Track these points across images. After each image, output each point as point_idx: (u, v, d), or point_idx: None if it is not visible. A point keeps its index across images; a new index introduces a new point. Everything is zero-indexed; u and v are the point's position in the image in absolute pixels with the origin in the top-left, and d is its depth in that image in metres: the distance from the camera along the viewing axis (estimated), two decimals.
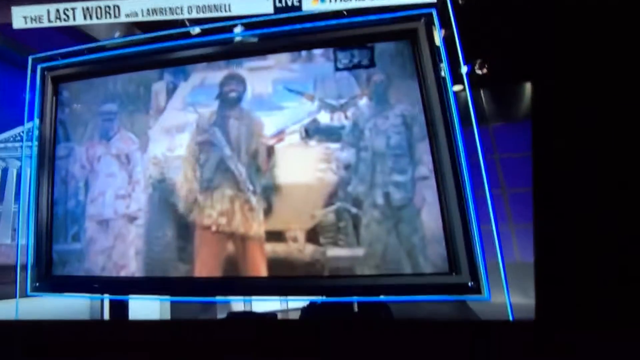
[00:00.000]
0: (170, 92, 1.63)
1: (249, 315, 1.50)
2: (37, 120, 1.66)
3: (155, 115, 1.62)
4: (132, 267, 1.57)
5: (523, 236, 1.27)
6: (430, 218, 1.38)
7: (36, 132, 1.65)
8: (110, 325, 1.55)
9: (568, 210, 1.26)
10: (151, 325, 1.51)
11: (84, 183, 1.66)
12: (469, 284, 1.34)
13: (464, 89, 1.35)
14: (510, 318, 1.24)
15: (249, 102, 1.57)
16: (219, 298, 1.54)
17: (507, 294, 1.26)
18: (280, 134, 1.51)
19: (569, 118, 1.30)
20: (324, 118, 1.49)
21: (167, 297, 1.55)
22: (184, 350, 1.48)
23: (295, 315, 1.48)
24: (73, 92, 1.72)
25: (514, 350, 1.25)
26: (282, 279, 1.47)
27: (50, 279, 1.61)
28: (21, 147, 1.76)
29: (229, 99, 1.59)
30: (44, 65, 1.70)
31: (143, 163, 1.61)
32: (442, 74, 1.37)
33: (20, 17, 1.53)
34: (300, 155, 1.48)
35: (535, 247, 1.20)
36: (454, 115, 1.35)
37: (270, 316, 1.49)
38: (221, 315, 1.53)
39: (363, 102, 1.47)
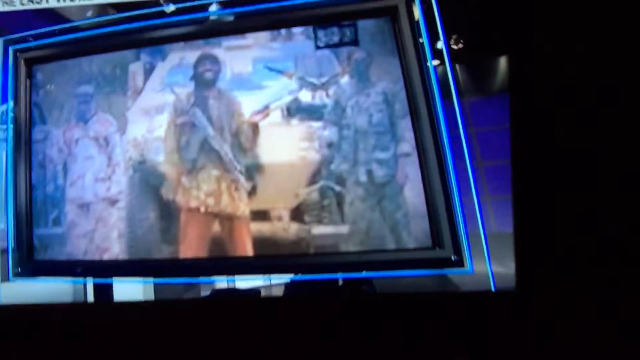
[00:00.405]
0: (148, 72, 1.63)
1: (233, 292, 1.54)
2: (11, 103, 1.65)
3: (133, 97, 1.62)
4: (116, 250, 1.59)
5: (499, 207, 1.33)
6: (413, 194, 1.43)
7: (10, 115, 1.64)
8: (96, 307, 1.58)
9: (548, 180, 1.32)
10: (137, 306, 1.55)
11: (63, 167, 1.66)
12: (452, 258, 1.40)
13: (442, 64, 1.39)
14: (492, 289, 1.31)
15: (228, 81, 1.58)
16: (203, 278, 1.58)
17: (489, 266, 1.32)
18: (262, 112, 1.53)
19: (547, 91, 1.35)
20: (306, 97, 1.51)
21: (152, 279, 1.58)
22: (171, 330, 1.52)
23: (279, 291, 1.53)
24: (47, 74, 1.70)
25: (497, 320, 1.33)
26: (268, 257, 1.51)
27: (32, 264, 1.62)
28: None
29: (205, 80, 1.60)
30: (16, 47, 1.68)
31: (122, 145, 1.62)
32: (422, 49, 1.40)
33: None
34: (282, 135, 1.51)
35: (515, 218, 1.26)
36: (435, 91, 1.39)
37: (254, 292, 1.53)
38: (205, 293, 1.57)
39: (344, 80, 1.49)
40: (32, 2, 1.48)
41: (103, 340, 1.56)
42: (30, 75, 1.70)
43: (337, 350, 1.46)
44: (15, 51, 1.68)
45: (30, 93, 1.69)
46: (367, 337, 1.47)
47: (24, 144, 1.67)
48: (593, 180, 1.30)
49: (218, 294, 1.55)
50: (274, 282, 1.55)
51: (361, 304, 1.50)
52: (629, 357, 1.31)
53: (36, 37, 1.66)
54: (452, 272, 1.41)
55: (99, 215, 1.62)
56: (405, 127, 1.44)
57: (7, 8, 1.48)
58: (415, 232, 1.45)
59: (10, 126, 1.65)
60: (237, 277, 1.56)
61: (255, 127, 1.54)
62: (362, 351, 1.45)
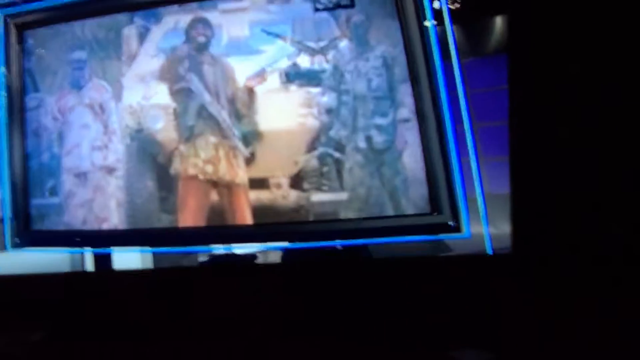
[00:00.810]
0: (142, 37, 1.62)
1: (230, 258, 1.59)
2: (2, 69, 1.65)
3: (128, 62, 1.62)
4: (114, 220, 1.62)
5: (492, 169, 1.36)
6: (411, 160, 1.46)
7: (2, 82, 1.65)
8: (96, 276, 1.63)
9: (545, 142, 1.35)
10: (138, 274, 1.60)
11: (58, 135, 1.68)
12: (451, 223, 1.45)
13: (439, 25, 1.40)
14: (490, 252, 1.36)
15: (224, 46, 1.58)
16: (202, 247, 1.62)
17: (486, 229, 1.37)
18: (259, 77, 1.54)
19: (546, 51, 1.36)
20: (304, 62, 1.52)
21: (152, 248, 1.61)
22: (172, 296, 1.57)
23: (275, 257, 1.57)
24: (39, 40, 1.70)
25: (494, 283, 1.38)
26: (268, 225, 1.55)
27: (30, 234, 1.66)
28: None
29: (198, 44, 1.60)
30: (6, 11, 1.67)
31: (118, 112, 1.63)
32: (422, 10, 1.41)
33: None
34: (280, 101, 1.53)
35: (512, 179, 1.30)
36: (436, 55, 1.41)
37: (250, 257, 1.58)
38: (202, 260, 1.62)
39: (343, 44, 1.50)
40: None
41: (104, 307, 1.62)
42: (21, 40, 1.70)
43: (334, 315, 1.52)
44: (5, 16, 1.67)
45: (22, 59, 1.69)
46: (364, 301, 1.53)
47: (17, 112, 1.68)
48: (591, 140, 1.33)
49: (215, 260, 1.60)
50: (270, 248, 1.58)
51: (358, 269, 1.55)
52: (624, 317, 1.37)
53: (26, 0, 1.65)
54: (449, 238, 1.45)
55: (96, 184, 1.64)
56: (404, 92, 1.46)
57: None
58: (413, 198, 1.48)
59: (3, 94, 1.66)
60: (237, 245, 1.59)
61: (252, 93, 1.56)
62: (360, 314, 1.51)
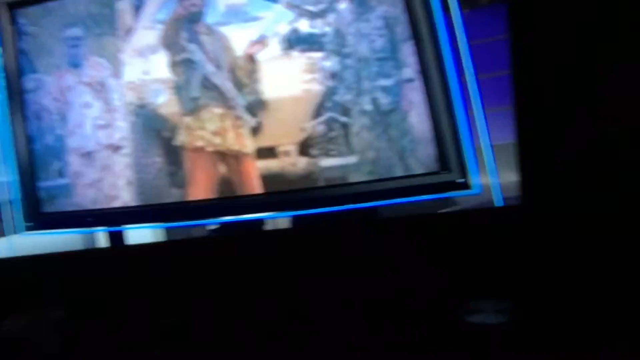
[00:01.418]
0: (137, 10, 1.64)
1: (239, 225, 1.66)
2: None
3: (125, 37, 1.64)
4: (125, 197, 1.68)
5: (493, 120, 1.43)
6: (418, 120, 1.51)
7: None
8: (111, 252, 1.70)
9: (549, 91, 1.40)
10: (152, 247, 1.67)
11: (60, 116, 1.71)
12: (459, 180, 1.51)
13: None
14: (499, 204, 1.44)
15: (221, 14, 1.60)
16: (215, 219, 1.68)
17: (496, 182, 1.44)
18: (259, 44, 1.57)
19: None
20: (304, 26, 1.55)
21: (164, 223, 1.68)
22: (188, 268, 1.65)
23: (287, 225, 1.65)
24: (31, 19, 1.70)
25: (504, 235, 1.46)
26: (278, 194, 1.61)
27: (42, 217, 1.72)
28: None
29: (193, 14, 1.62)
30: None
31: (119, 89, 1.66)
32: None
33: None
34: (283, 67, 1.56)
35: (518, 129, 1.36)
36: (437, 10, 1.43)
37: (258, 223, 1.65)
38: (213, 231, 1.69)
39: (343, 6, 1.52)
40: None
41: (121, 282, 1.70)
42: (13, 20, 1.71)
43: (350, 274, 1.60)
44: None
45: (16, 40, 1.71)
46: (379, 260, 1.61)
47: (16, 95, 1.71)
48: (596, 89, 1.39)
49: (224, 228, 1.66)
50: (281, 216, 1.65)
51: (371, 230, 1.63)
52: (630, 270, 1.46)
53: None
54: (459, 195, 1.52)
55: (103, 163, 1.69)
56: (407, 51, 1.50)
57: None
58: (422, 157, 1.54)
59: (1, 76, 1.69)
60: (249, 216, 1.66)
61: (254, 61, 1.59)
62: (375, 274, 1.60)
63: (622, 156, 1.40)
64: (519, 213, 1.43)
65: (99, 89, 1.68)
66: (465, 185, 1.50)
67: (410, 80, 1.52)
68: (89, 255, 1.69)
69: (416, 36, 1.48)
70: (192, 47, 1.60)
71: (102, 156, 1.68)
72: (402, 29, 1.50)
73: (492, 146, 1.45)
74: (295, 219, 1.62)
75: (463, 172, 1.50)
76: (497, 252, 1.46)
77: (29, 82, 1.72)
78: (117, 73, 1.66)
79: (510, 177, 1.43)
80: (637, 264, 1.44)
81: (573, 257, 1.45)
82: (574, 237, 1.44)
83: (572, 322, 1.38)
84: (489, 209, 1.45)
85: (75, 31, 1.68)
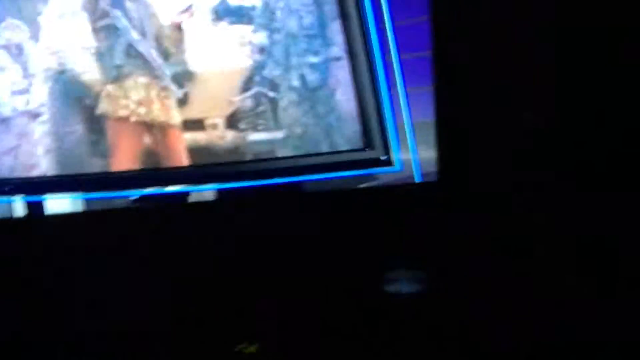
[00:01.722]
0: None
1: (163, 197, 1.66)
2: None
3: (45, 0, 1.58)
4: (44, 166, 1.62)
5: (414, 99, 1.51)
6: (344, 98, 1.56)
7: None
8: (27, 221, 1.65)
9: (468, 69, 1.49)
10: (71, 217, 1.64)
11: None
12: (382, 157, 1.59)
13: None
14: (418, 180, 1.52)
15: None
16: (138, 191, 1.67)
17: (414, 158, 1.52)
18: (187, 12, 1.56)
19: None
20: None
21: (86, 193, 1.65)
22: (108, 239, 1.64)
23: (212, 197, 1.67)
24: None
25: (422, 211, 1.55)
26: (205, 167, 1.62)
27: None
28: None
29: None
30: None
31: (37, 54, 1.60)
32: None
33: None
34: (211, 39, 1.56)
35: (437, 108, 1.44)
36: None
37: (183, 195, 1.66)
38: (134, 202, 1.68)
39: None
40: None
41: (39, 252, 1.66)
42: None
43: (271, 249, 1.65)
44: None
45: None
46: (298, 234, 1.66)
47: None
48: (512, 68, 1.49)
49: (145, 199, 1.66)
50: (207, 189, 1.67)
51: (292, 203, 1.67)
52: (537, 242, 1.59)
53: None
54: (381, 171, 1.59)
55: (21, 130, 1.62)
56: (335, 30, 1.53)
57: None
58: (347, 134, 1.60)
59: None
60: (174, 189, 1.66)
61: (181, 31, 1.57)
62: (297, 247, 1.65)
63: (536, 134, 1.51)
64: (435, 189, 1.52)
65: (16, 52, 1.60)
66: (387, 162, 1.58)
67: (337, 59, 1.56)
68: (6, 224, 1.64)
69: (344, 15, 1.52)
70: (116, 12, 1.56)
71: (20, 123, 1.61)
72: (331, 8, 1.53)
73: (412, 125, 1.53)
74: (221, 192, 1.64)
75: (386, 150, 1.57)
76: (414, 225, 1.54)
77: None
78: (35, 36, 1.59)
79: (429, 154, 1.52)
80: (546, 238, 1.56)
81: (482, 230, 1.56)
82: (484, 213, 1.55)
83: (482, 292, 1.50)
84: (408, 184, 1.54)
85: None
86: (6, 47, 1.61)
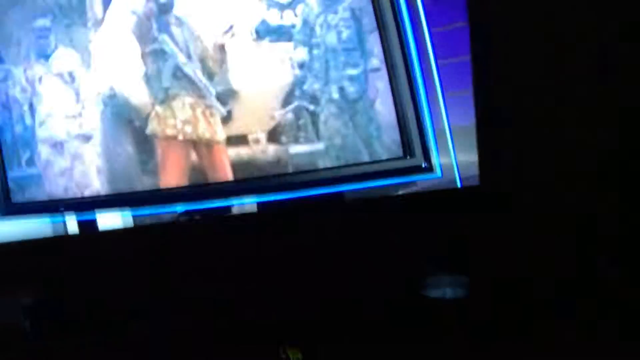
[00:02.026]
0: (106, 1, 1.68)
1: (210, 211, 1.71)
2: None
3: (95, 28, 1.67)
4: (96, 186, 1.70)
5: (452, 103, 1.55)
6: (383, 107, 1.60)
7: None
8: (82, 238, 1.73)
9: (510, 75, 1.51)
10: (123, 233, 1.71)
11: (29, 106, 1.72)
12: (423, 165, 1.61)
13: None
14: (459, 185, 1.54)
15: (192, 5, 1.66)
16: (185, 206, 1.73)
17: (455, 163, 1.55)
18: (229, 35, 1.63)
19: None
20: (273, 17, 1.62)
21: (136, 210, 1.71)
22: (159, 253, 1.70)
23: (254, 208, 1.71)
24: None
25: (464, 215, 1.57)
26: (249, 180, 1.68)
27: (12, 207, 1.72)
28: None
29: (162, 5, 1.66)
30: None
31: (89, 80, 1.69)
32: None
33: None
34: (253, 57, 1.62)
35: (477, 112, 1.47)
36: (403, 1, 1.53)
37: (229, 209, 1.71)
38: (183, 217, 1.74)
39: None
40: None
41: (92, 267, 1.73)
42: None
43: (315, 257, 1.68)
44: None
45: None
46: (341, 241, 1.70)
47: None
48: (554, 73, 1.51)
49: (191, 213, 1.71)
50: (251, 202, 1.72)
51: (335, 212, 1.71)
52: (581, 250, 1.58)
53: None
54: (422, 179, 1.62)
55: (74, 152, 1.70)
56: (373, 41, 1.58)
57: None
58: (387, 143, 1.64)
59: None
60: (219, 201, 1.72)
61: (224, 51, 1.65)
62: (339, 255, 1.68)
63: (579, 140, 1.52)
64: (477, 193, 1.54)
65: (69, 79, 1.70)
66: (428, 169, 1.61)
67: (376, 70, 1.61)
68: (61, 241, 1.72)
69: (382, 26, 1.56)
70: (163, 37, 1.65)
71: (73, 146, 1.70)
72: (369, 20, 1.58)
73: (450, 129, 1.56)
74: (265, 204, 1.69)
75: (426, 157, 1.60)
76: (457, 230, 1.56)
77: None
78: (86, 63, 1.68)
79: (470, 159, 1.55)
80: (588, 245, 1.56)
81: (527, 236, 1.57)
82: (528, 218, 1.56)
83: (526, 299, 1.50)
84: (449, 190, 1.56)
85: (44, 21, 1.69)
86: (59, 75, 1.71)
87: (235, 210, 1.71)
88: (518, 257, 1.59)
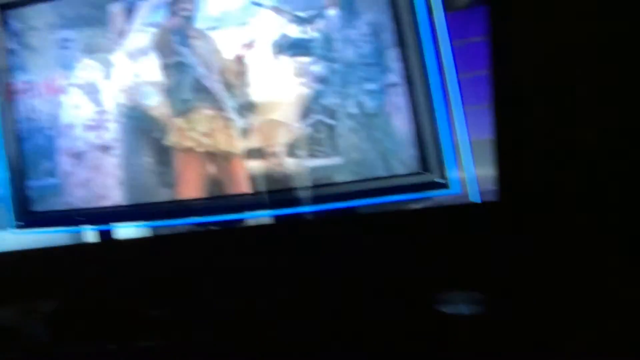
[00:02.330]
0: (129, 13, 1.70)
1: (227, 223, 1.72)
2: None
3: (117, 40, 1.70)
4: (115, 197, 1.73)
5: (471, 116, 1.55)
6: (401, 122, 1.60)
7: None
8: (100, 246, 1.75)
9: (528, 90, 1.51)
10: (140, 242, 1.72)
11: (50, 116, 1.76)
12: (439, 180, 1.61)
13: None
14: (475, 200, 1.54)
15: (212, 18, 1.68)
16: (203, 218, 1.74)
17: (474, 179, 1.55)
18: (249, 49, 1.65)
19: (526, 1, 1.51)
20: (294, 32, 1.64)
21: (153, 222, 1.74)
22: (175, 263, 1.71)
23: (271, 221, 1.72)
24: (23, 20, 1.75)
25: (482, 232, 1.56)
26: (266, 193, 1.69)
27: (31, 215, 1.75)
28: None
29: (184, 18, 1.69)
30: None
31: (110, 91, 1.72)
32: None
33: None
34: (273, 71, 1.64)
35: (496, 124, 1.47)
36: (423, 16, 1.54)
37: (246, 221, 1.72)
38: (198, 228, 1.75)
39: (331, 12, 1.61)
40: None
41: (110, 275, 1.74)
42: (4, 21, 1.75)
43: (329, 268, 1.68)
44: None
45: (6, 41, 1.75)
46: (355, 255, 1.69)
47: (7, 95, 1.75)
48: (574, 88, 1.50)
49: (208, 224, 1.73)
50: (266, 215, 1.73)
51: (350, 226, 1.71)
52: (608, 267, 1.57)
53: None
54: (439, 194, 1.62)
55: (94, 163, 1.73)
56: (392, 57, 1.59)
57: None
58: (403, 158, 1.64)
59: None
60: (238, 215, 1.73)
61: (243, 65, 1.67)
62: (354, 269, 1.68)
63: (600, 155, 1.51)
64: (495, 209, 1.54)
65: (90, 90, 1.73)
66: (444, 185, 1.61)
67: (394, 85, 1.61)
68: (79, 249, 1.74)
69: (401, 42, 1.57)
70: (184, 50, 1.67)
71: (93, 156, 1.73)
72: (388, 36, 1.59)
73: (470, 144, 1.56)
74: (282, 217, 1.70)
75: (443, 172, 1.60)
76: (474, 246, 1.56)
77: (19, 83, 1.76)
78: (108, 75, 1.72)
79: (488, 173, 1.55)
80: (610, 260, 1.55)
81: (546, 252, 1.56)
82: (547, 234, 1.55)
83: (544, 315, 1.49)
84: (466, 205, 1.56)
85: (67, 33, 1.72)
86: (81, 86, 1.74)
87: (251, 223, 1.73)
88: (536, 273, 1.58)
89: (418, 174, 1.61)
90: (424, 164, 1.61)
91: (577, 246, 1.54)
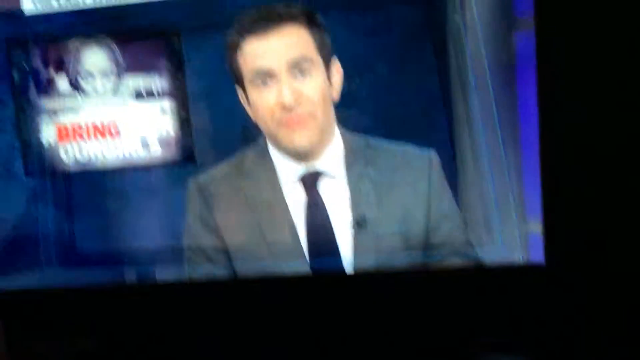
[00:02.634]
0: None
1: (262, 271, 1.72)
2: None
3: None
4: (157, 238, 1.76)
5: None
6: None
7: None
8: (140, 287, 1.77)
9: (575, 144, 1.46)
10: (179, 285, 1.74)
11: (98, 157, 1.78)
12: (484, 238, 1.58)
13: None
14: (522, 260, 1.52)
15: None
16: None
17: (518, 241, 1.53)
18: None
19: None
20: None
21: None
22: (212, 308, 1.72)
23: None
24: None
25: (526, 294, 1.53)
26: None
27: (76, 256, 1.79)
28: None
29: None
30: None
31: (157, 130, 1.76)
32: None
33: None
34: None
35: (543, 191, 1.43)
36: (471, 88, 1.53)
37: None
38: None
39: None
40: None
41: (150, 316, 1.75)
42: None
43: (364, 329, 1.65)
44: None
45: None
46: (396, 313, 1.66)
47: (58, 136, 1.80)
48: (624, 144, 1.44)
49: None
50: None
51: (387, 282, 1.68)
52: None
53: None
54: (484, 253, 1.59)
55: (138, 205, 1.77)
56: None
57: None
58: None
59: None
60: None
61: None
62: (390, 329, 1.64)
63: None
64: (542, 271, 1.50)
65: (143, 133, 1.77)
66: (488, 242, 1.58)
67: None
68: (120, 290, 1.77)
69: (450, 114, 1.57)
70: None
71: (137, 197, 1.77)
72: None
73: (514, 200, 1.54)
74: (318, 270, 1.69)
75: (488, 229, 1.58)
76: (518, 309, 1.52)
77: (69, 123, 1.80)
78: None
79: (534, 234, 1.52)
80: None
81: (594, 317, 1.51)
82: (595, 298, 1.50)
83: None
84: (512, 266, 1.53)
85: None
86: (133, 129, 1.79)
87: (288, 273, 1.72)
88: (581, 339, 1.52)
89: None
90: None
91: (631, 310, 1.48)
